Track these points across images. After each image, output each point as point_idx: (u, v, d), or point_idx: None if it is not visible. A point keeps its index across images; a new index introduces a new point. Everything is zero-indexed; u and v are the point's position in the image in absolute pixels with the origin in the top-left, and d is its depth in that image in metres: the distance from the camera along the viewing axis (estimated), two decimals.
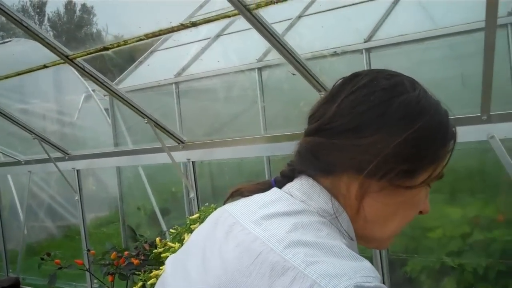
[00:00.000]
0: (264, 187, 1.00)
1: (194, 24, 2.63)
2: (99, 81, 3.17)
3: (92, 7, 10.38)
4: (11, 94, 5.43)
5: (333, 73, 2.90)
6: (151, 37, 2.78)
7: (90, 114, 6.98)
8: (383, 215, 0.95)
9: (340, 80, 0.98)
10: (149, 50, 5.38)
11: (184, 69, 4.81)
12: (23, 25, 2.92)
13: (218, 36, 4.96)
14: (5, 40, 7.72)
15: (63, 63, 3.10)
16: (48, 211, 6.69)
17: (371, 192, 0.91)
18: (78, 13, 11.77)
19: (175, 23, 2.70)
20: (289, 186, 0.96)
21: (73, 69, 6.45)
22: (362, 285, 0.75)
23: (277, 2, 2.42)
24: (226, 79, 4.48)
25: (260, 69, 4.26)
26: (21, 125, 4.08)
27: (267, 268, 0.81)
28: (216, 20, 2.62)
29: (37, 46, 6.00)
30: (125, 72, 5.28)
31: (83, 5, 11.35)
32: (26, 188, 5.73)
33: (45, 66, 3.30)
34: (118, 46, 2.84)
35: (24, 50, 6.30)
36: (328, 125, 0.93)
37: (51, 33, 7.61)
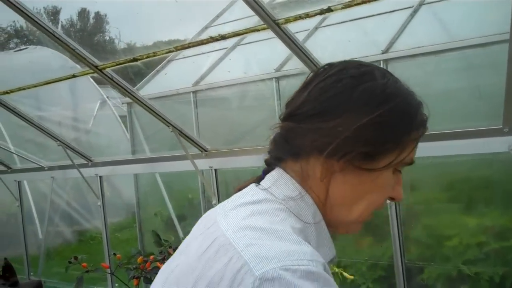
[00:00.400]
0: (257, 181, 1.05)
1: (224, 37, 2.72)
2: (127, 91, 3.27)
3: (105, 15, 10.50)
4: (27, 101, 5.52)
5: None
6: (180, 49, 2.88)
7: (105, 121, 7.08)
8: (349, 197, 0.98)
9: (316, 70, 1.03)
10: (167, 59, 5.46)
11: (202, 78, 4.90)
12: (55, 36, 3.02)
13: (235, 46, 5.04)
14: (21, 48, 7.84)
15: (92, 73, 3.19)
16: (63, 216, 6.79)
17: (335, 173, 0.96)
18: (91, 21, 11.90)
19: (204, 36, 2.79)
20: (265, 179, 1.02)
21: (88, 76, 6.52)
22: (290, 268, 0.79)
23: (305, 18, 2.51)
24: (244, 88, 4.56)
25: (278, 79, 4.33)
26: (47, 132, 4.18)
27: (215, 250, 0.87)
28: (245, 34, 2.71)
29: (54, 54, 6.12)
30: (143, 80, 5.37)
31: (97, 13, 11.48)
32: (44, 193, 5.82)
33: (74, 76, 3.40)
34: (147, 57, 2.93)
35: (41, 57, 6.40)
36: (298, 110, 0.98)
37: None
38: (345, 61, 1.03)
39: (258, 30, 2.64)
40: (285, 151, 1.00)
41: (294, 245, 0.85)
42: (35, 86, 3.67)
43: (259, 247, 0.84)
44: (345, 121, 0.93)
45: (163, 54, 2.93)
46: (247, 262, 0.81)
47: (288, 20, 2.51)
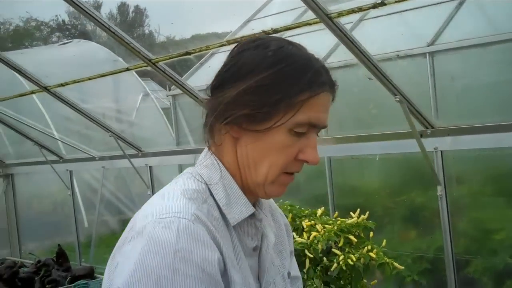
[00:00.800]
0: None
1: (276, 31, 2.78)
2: (178, 83, 3.35)
3: (144, 9, 10.68)
4: (71, 93, 5.67)
5: (397, 76, 2.99)
6: (233, 43, 2.93)
7: (148, 113, 7.21)
8: (251, 159, 1.06)
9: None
10: (210, 52, 5.53)
11: None
12: (111, 30, 3.11)
13: None
14: (65, 41, 8.02)
15: (146, 66, 3.28)
16: (107, 205, 6.95)
17: (239, 139, 1.06)
18: (131, 14, 12.11)
19: (257, 30, 2.85)
20: None
21: (134, 73, 6.64)
22: (156, 220, 0.94)
23: (358, 11, 2.55)
24: None
25: None
26: (100, 124, 4.31)
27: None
28: (297, 28, 2.75)
29: (97, 47, 6.23)
30: (187, 73, 5.46)
31: (136, 7, 11.68)
32: (88, 183, 5.97)
33: (128, 69, 3.49)
34: (200, 51, 3.01)
35: (85, 50, 6.54)
36: (211, 85, 1.09)
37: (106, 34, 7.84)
38: (251, 37, 1.12)
39: (310, 24, 2.68)
40: (205, 125, 1.11)
41: (171, 202, 0.99)
42: (90, 79, 3.80)
43: (147, 208, 1.01)
44: (233, 89, 1.02)
45: (215, 47, 3.00)
46: (136, 221, 0.98)
47: (341, 14, 2.55)
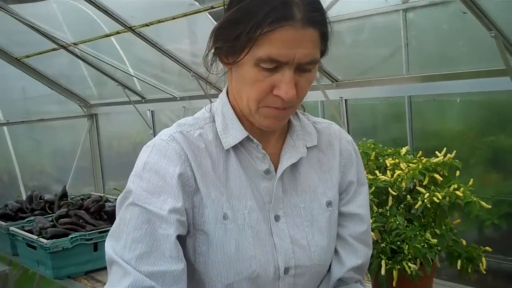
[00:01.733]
0: None
1: None
2: None
3: None
4: (150, 35, 5.73)
5: (489, 12, 2.86)
6: None
7: None
8: (236, 90, 1.16)
9: None
10: None
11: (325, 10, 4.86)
12: None
13: None
14: None
15: None
16: None
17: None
18: None
19: None
20: None
21: (206, 12, 6.67)
22: (158, 138, 1.21)
23: None
24: (369, 20, 4.48)
25: (405, 10, 4.22)
26: (182, 64, 4.39)
27: None
28: None
29: None
30: None
31: None
32: (164, 123, 6.11)
33: (212, 8, 3.55)
34: None
35: None
36: None
37: None
38: None
39: None
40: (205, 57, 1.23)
41: (174, 127, 1.21)
42: (174, 18, 3.85)
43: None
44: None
45: None
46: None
47: None
